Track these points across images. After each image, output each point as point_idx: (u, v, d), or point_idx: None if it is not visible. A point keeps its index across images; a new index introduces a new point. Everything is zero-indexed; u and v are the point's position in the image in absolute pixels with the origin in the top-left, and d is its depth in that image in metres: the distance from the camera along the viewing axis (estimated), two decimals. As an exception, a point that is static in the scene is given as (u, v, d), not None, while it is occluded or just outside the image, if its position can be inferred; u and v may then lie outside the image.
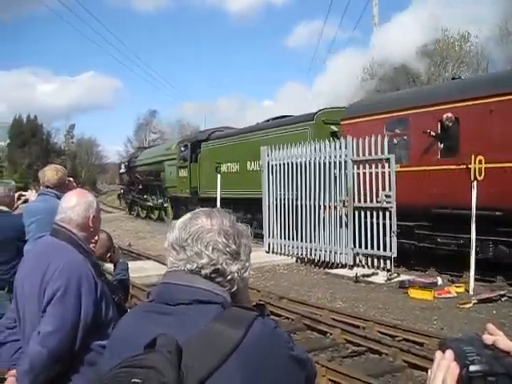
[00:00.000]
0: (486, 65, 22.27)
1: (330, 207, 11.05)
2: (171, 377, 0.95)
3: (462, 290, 8.37)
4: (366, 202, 10.34)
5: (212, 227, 1.21)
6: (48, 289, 2.02)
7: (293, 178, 11.91)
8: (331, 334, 6.28)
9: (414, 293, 8.28)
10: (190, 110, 72.78)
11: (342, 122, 12.21)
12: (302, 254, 11.78)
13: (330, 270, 10.68)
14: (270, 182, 12.60)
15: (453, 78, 12.34)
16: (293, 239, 11.98)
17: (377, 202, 10.06)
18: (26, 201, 4.54)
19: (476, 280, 8.48)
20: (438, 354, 0.85)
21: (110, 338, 1.29)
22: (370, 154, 10.26)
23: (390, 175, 9.88)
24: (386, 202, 9.88)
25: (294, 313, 7.11)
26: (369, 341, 5.84)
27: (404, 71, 21.59)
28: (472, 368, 0.79)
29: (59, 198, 3.01)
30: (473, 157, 8.19)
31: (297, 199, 11.81)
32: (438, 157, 9.96)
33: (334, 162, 10.93)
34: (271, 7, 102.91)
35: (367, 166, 10.38)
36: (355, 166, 10.61)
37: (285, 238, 12.25)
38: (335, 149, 10.93)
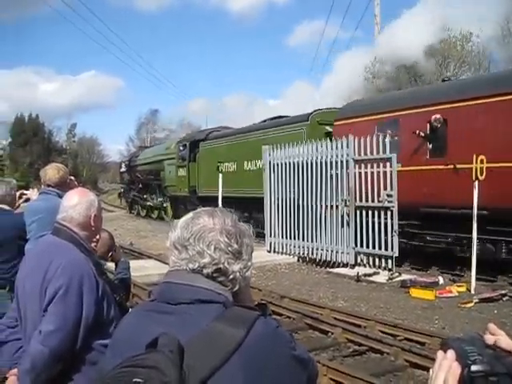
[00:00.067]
0: (487, 64, 22.25)
1: (331, 206, 11.06)
2: (173, 376, 0.95)
3: (463, 289, 8.37)
4: (367, 201, 10.34)
5: (214, 226, 1.21)
6: (49, 288, 2.02)
7: (294, 178, 11.91)
8: (332, 334, 6.28)
9: (416, 292, 8.28)
10: (195, 108, 72.82)
11: (335, 123, 12.41)
12: (303, 254, 11.78)
13: (331, 270, 10.68)
14: (271, 181, 12.61)
15: (443, 80, 12.60)
16: (294, 238, 11.98)
17: (378, 201, 10.06)
18: (27, 200, 4.53)
19: (477, 279, 8.49)
20: (440, 353, 0.84)
21: (112, 338, 1.29)
22: (371, 153, 10.27)
23: (391, 174, 9.89)
24: (388, 202, 9.88)
25: (295, 312, 7.11)
26: (370, 340, 5.83)
27: (406, 70, 21.60)
28: (474, 368, 0.79)
29: (61, 196, 3.01)
30: (474, 157, 8.22)
31: (298, 198, 11.80)
32: (427, 157, 10.18)
33: (336, 162, 10.93)
34: (273, 7, 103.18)
35: (369, 165, 10.39)
36: (357, 166, 10.62)
37: (286, 238, 12.24)
38: (337, 148, 10.93)
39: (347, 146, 10.67)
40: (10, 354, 2.19)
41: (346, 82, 22.60)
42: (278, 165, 12.41)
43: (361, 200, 10.50)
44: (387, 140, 10.01)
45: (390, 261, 9.92)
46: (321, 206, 11.28)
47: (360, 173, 10.53)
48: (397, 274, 9.60)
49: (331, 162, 11.02)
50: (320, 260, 11.30)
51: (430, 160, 10.06)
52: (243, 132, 16.83)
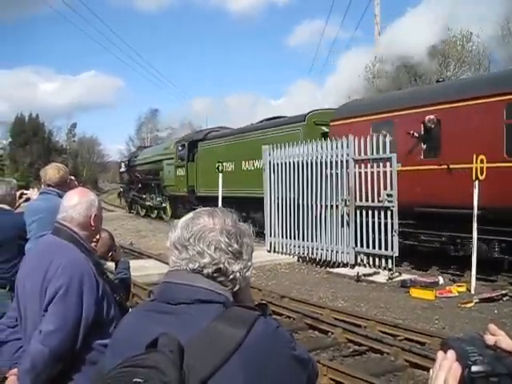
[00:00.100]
0: (487, 64, 22.23)
1: (331, 206, 11.06)
2: (173, 376, 0.95)
3: (463, 289, 8.37)
4: (367, 201, 10.34)
5: (214, 226, 1.21)
6: (50, 287, 2.02)
7: (294, 177, 11.91)
8: (332, 334, 6.28)
9: (416, 292, 8.27)
10: (198, 107, 72.79)
11: (331, 123, 12.46)
12: (303, 253, 11.78)
13: (331, 269, 10.68)
14: (271, 181, 12.60)
15: (437, 81, 12.69)
16: (294, 238, 11.98)
17: (378, 201, 10.06)
18: (27, 199, 4.53)
19: (477, 279, 8.49)
20: (440, 354, 0.84)
21: (112, 338, 1.29)
22: (371, 153, 10.27)
23: (391, 174, 9.89)
24: (388, 201, 9.87)
25: (295, 312, 7.11)
26: (370, 340, 5.83)
27: (406, 70, 21.59)
28: (474, 368, 0.79)
29: (61, 196, 3.01)
30: (474, 156, 8.22)
31: (298, 198, 11.80)
32: (421, 157, 10.27)
33: (336, 161, 10.93)
34: (273, 7, 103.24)
35: (368, 165, 10.39)
36: (356, 165, 10.62)
37: (286, 237, 12.24)
38: (336, 148, 10.93)
39: (347, 146, 10.67)
40: (10, 353, 2.19)
41: (347, 82, 22.63)
42: (278, 164, 12.41)
43: (361, 200, 10.50)
44: (387, 140, 10.01)
45: (390, 261, 9.92)
46: (321, 205, 11.28)
47: (360, 172, 10.53)
48: (397, 273, 9.60)
49: (331, 162, 11.01)
50: (320, 260, 11.29)
51: (425, 160, 10.18)
52: (241, 132, 16.91)
